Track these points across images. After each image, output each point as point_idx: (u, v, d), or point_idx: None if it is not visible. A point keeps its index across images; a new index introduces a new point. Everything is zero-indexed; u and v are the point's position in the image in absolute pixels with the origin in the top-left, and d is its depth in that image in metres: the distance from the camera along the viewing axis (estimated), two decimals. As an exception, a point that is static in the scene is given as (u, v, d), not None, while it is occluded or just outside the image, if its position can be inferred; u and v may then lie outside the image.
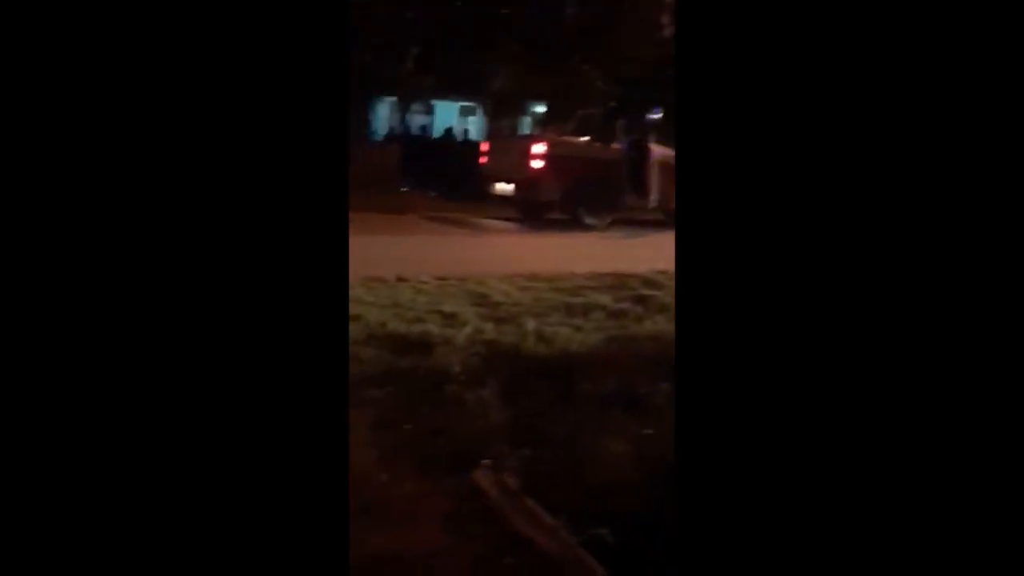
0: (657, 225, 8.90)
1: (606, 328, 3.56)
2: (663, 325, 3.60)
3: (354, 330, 3.22)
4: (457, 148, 13.18)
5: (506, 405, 2.48)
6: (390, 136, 14.00)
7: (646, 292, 4.46)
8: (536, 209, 9.52)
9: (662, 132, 9.66)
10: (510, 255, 6.48)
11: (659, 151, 9.22)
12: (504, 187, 9.52)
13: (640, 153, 9.30)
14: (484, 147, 10.41)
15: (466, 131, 14.48)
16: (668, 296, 4.21)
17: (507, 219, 9.41)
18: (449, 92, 15.68)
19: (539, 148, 9.18)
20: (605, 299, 4.22)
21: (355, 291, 4.07)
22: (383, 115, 15.11)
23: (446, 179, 12.01)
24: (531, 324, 3.53)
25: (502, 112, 14.55)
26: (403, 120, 15.27)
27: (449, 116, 16.37)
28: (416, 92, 12.98)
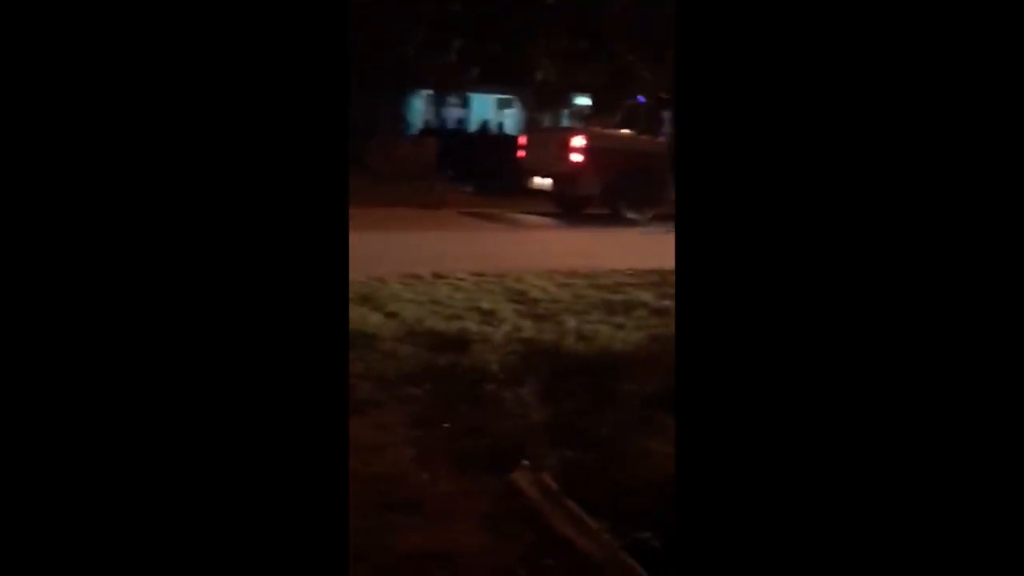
0: (701, 220, 8.79)
1: (648, 326, 3.54)
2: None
3: (391, 327, 3.27)
4: (494, 142, 13.21)
5: (545, 404, 2.48)
6: (425, 130, 14.08)
7: (689, 289, 4.41)
8: (575, 204, 9.50)
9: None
10: (548, 251, 6.48)
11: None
12: (542, 181, 9.51)
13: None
14: (522, 140, 10.42)
15: (500, 124, 14.47)
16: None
17: (545, 214, 9.40)
18: (491, 84, 15.72)
19: (578, 141, 9.16)
20: (647, 296, 4.20)
21: (392, 288, 4.12)
22: (418, 109, 15.21)
23: (483, 173, 12.05)
24: (571, 322, 3.53)
25: (544, 105, 14.54)
26: (439, 114, 15.34)
27: (485, 109, 16.40)
28: (457, 85, 13.03)
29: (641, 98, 9.99)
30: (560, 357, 3.00)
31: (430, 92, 15.00)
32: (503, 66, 13.47)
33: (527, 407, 2.45)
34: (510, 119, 17.14)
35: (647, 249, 6.29)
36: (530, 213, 9.43)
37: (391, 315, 3.48)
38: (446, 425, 2.33)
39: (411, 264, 4.80)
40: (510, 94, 17.01)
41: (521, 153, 10.16)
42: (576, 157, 9.06)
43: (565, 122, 14.52)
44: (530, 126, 12.99)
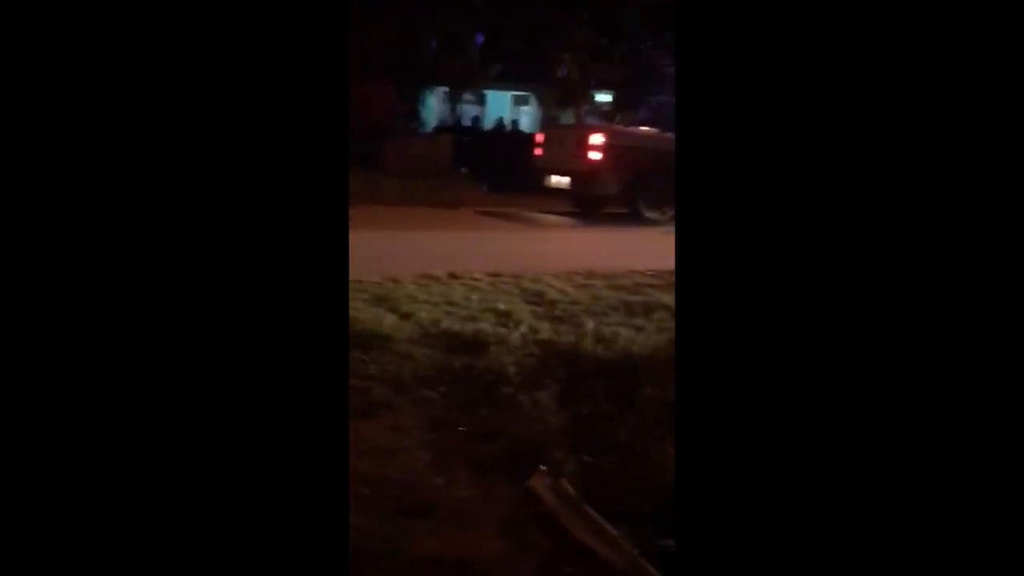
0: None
1: (668, 329, 3.52)
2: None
3: (406, 328, 3.27)
4: (510, 139, 13.22)
5: (564, 408, 2.48)
6: (441, 127, 14.11)
7: (711, 291, 4.39)
8: (593, 203, 9.48)
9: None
10: (566, 251, 6.48)
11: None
12: (559, 180, 9.50)
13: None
14: (539, 138, 10.41)
15: (515, 122, 14.47)
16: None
17: (562, 213, 9.39)
18: (507, 81, 15.75)
19: (597, 139, 9.14)
20: (667, 298, 4.17)
21: (407, 288, 4.13)
22: (433, 106, 15.25)
23: (499, 171, 12.05)
24: (589, 324, 3.52)
25: (564, 101, 14.54)
26: (454, 111, 15.37)
27: (502, 106, 16.42)
28: (473, 81, 13.07)
29: (660, 97, 9.97)
30: (578, 360, 2.99)
31: (445, 89, 15.02)
32: (521, 62, 13.48)
33: (545, 411, 2.45)
34: (527, 116, 17.15)
35: (667, 250, 6.24)
36: (547, 212, 9.42)
37: (406, 316, 3.49)
38: (462, 429, 2.33)
39: (426, 264, 4.81)
40: (527, 91, 17.02)
41: (538, 151, 10.15)
42: (594, 155, 9.03)
43: (585, 120, 14.50)
44: (547, 123, 12.98)
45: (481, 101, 16.36)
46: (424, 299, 3.91)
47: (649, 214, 8.85)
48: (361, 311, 3.46)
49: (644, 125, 9.68)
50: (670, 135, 9.21)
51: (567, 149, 9.42)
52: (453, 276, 4.58)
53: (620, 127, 9.75)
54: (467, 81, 13.02)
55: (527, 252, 6.14)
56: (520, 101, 17.46)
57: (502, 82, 15.93)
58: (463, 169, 12.64)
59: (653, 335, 3.40)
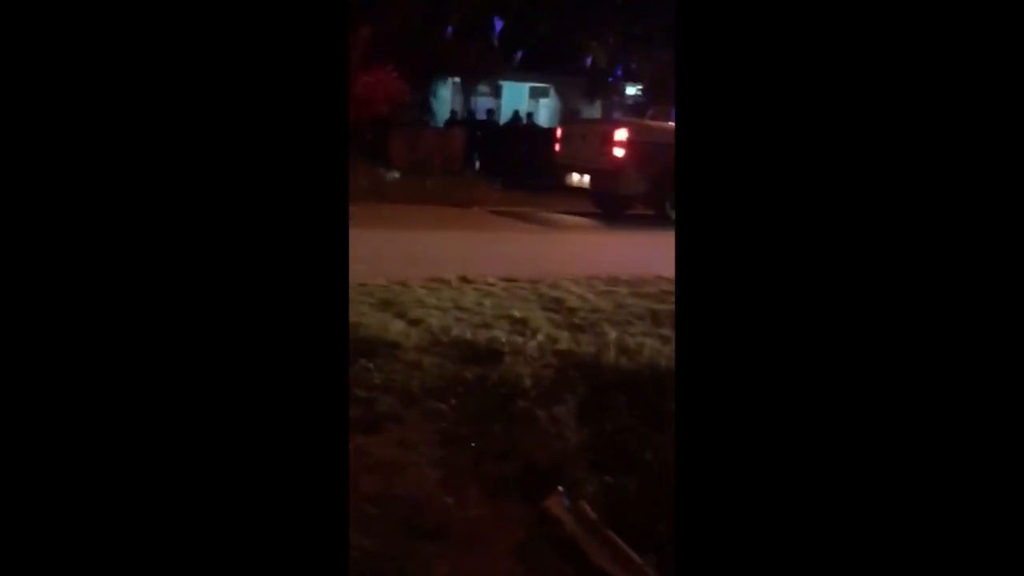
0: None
1: (697, 340, 3.51)
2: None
3: (415, 336, 3.28)
4: (527, 134, 13.24)
5: (584, 424, 2.47)
6: (453, 120, 14.16)
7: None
8: (616, 203, 9.48)
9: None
10: (586, 255, 6.48)
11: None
12: (580, 178, 9.51)
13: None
14: (558, 133, 10.43)
15: (530, 115, 14.49)
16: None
17: (583, 214, 9.40)
18: (525, 72, 15.77)
19: (621, 134, 9.14)
20: (696, 307, 4.16)
21: (415, 292, 4.14)
22: (445, 97, 15.29)
23: (515, 168, 12.08)
24: (612, 333, 3.52)
25: (591, 94, 14.56)
26: (467, 103, 15.42)
27: (519, 98, 16.44)
28: (488, 71, 13.10)
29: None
30: (600, 372, 2.98)
31: (457, 79, 15.07)
32: (542, 50, 13.49)
33: (563, 427, 2.45)
34: (545, 109, 17.17)
35: (696, 254, 6.23)
36: (566, 213, 9.43)
37: (414, 322, 3.50)
38: (474, 445, 2.33)
39: (436, 267, 4.82)
40: (546, 82, 17.05)
41: (557, 147, 10.16)
42: (618, 152, 9.04)
43: (612, 114, 14.52)
44: (567, 117, 12.99)
45: (496, 93, 16.38)
46: (434, 304, 3.92)
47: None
48: (366, 316, 3.47)
49: (671, 120, 9.68)
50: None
51: (589, 145, 9.43)
52: (465, 280, 4.59)
53: (646, 122, 9.73)
54: (485, 71, 13.04)
55: (545, 255, 6.14)
56: (538, 93, 17.49)
57: (520, 72, 15.95)
58: (477, 165, 12.68)
59: (681, 347, 3.39)
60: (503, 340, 3.30)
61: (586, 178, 9.42)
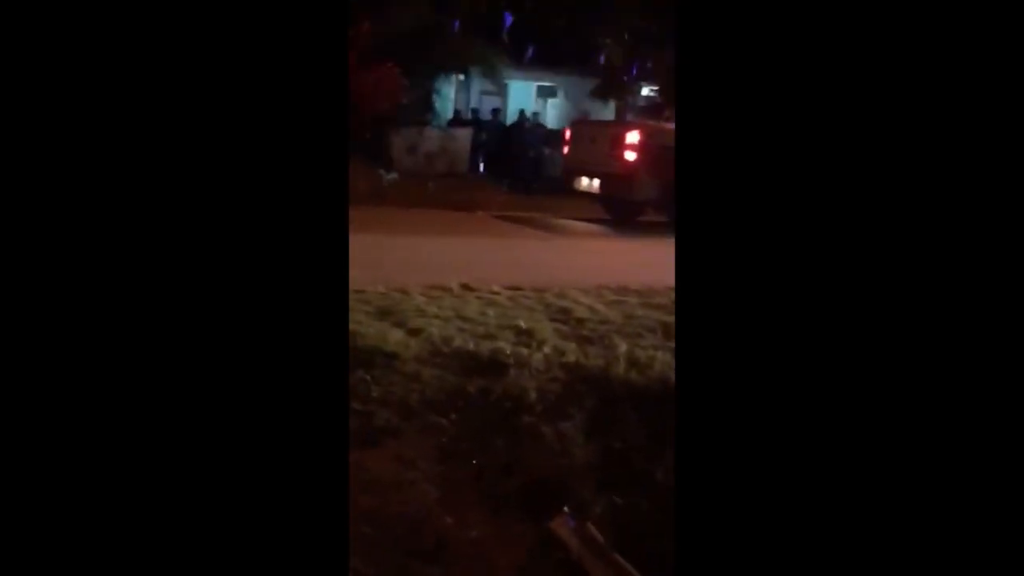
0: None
1: (712, 354, 3.51)
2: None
3: (415, 346, 3.29)
4: (534, 135, 13.26)
5: (591, 441, 2.48)
6: (456, 120, 14.19)
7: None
8: (627, 209, 9.49)
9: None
10: (596, 263, 6.49)
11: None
12: (589, 182, 9.53)
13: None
14: (567, 135, 10.45)
15: (536, 114, 14.52)
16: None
17: (592, 220, 9.41)
18: (532, 69, 15.80)
19: (633, 137, 9.16)
20: (711, 319, 4.16)
21: (415, 301, 4.16)
22: (448, 96, 15.33)
23: (521, 171, 12.11)
24: (622, 346, 3.53)
25: (604, 93, 14.57)
26: (471, 102, 15.45)
27: (525, 97, 16.48)
28: (497, 67, 13.12)
29: None
30: (609, 386, 2.99)
31: (461, 77, 15.11)
32: (551, 47, 13.49)
33: (570, 443, 2.45)
34: (553, 109, 17.20)
35: (711, 264, 6.23)
36: (575, 219, 9.44)
37: (414, 332, 3.51)
38: (475, 461, 2.33)
39: (437, 274, 4.84)
40: (554, 81, 17.08)
41: (566, 149, 10.18)
42: (630, 155, 9.06)
43: (626, 115, 14.53)
44: (577, 118, 13.01)
45: (502, 91, 16.42)
46: (434, 313, 3.93)
47: (691, 223, 8.83)
48: (363, 325, 3.48)
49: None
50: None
51: (599, 148, 9.45)
52: (467, 288, 4.60)
53: (660, 124, 9.74)
54: (492, 68, 13.07)
55: (551, 263, 6.16)
56: (546, 92, 17.52)
57: (528, 70, 15.98)
58: (481, 168, 12.70)
59: (694, 361, 3.39)
60: (507, 352, 3.31)
61: (596, 182, 9.44)
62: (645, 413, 2.69)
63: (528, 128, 13.45)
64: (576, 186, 9.72)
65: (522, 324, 3.80)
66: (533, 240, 7.92)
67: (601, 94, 14.79)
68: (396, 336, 3.41)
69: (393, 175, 10.67)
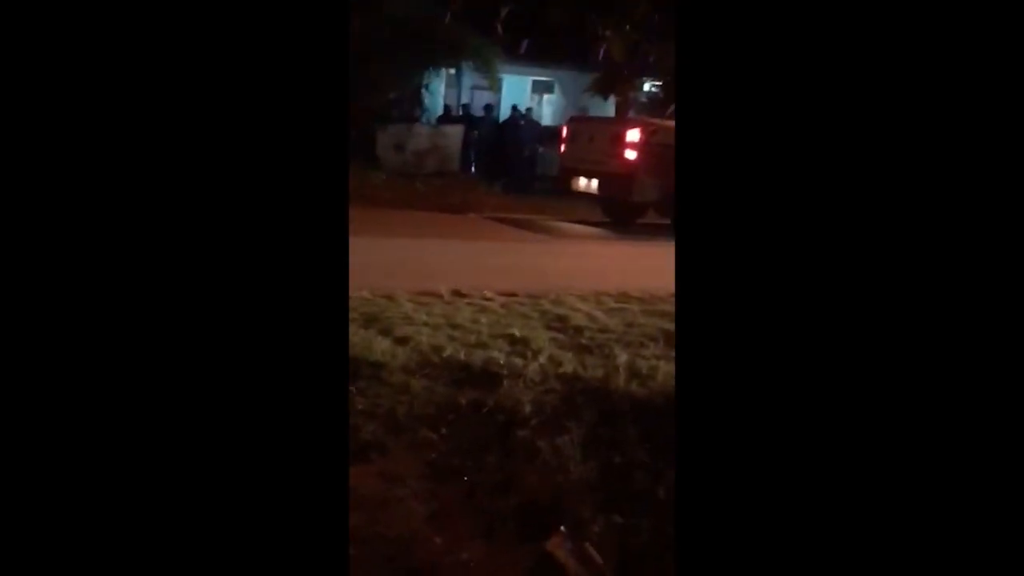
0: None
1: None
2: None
3: (402, 355, 3.29)
4: (529, 132, 13.28)
5: (590, 456, 2.48)
6: (446, 116, 14.21)
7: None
8: (627, 211, 9.51)
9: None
10: (594, 268, 6.49)
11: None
12: (587, 183, 9.54)
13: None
14: (564, 132, 10.47)
15: (529, 110, 14.54)
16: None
17: (590, 223, 9.42)
18: (527, 63, 15.82)
19: (634, 135, 9.18)
20: (716, 327, 4.17)
21: (403, 307, 4.15)
22: (438, 91, 15.35)
23: (515, 170, 12.12)
24: (622, 356, 3.53)
25: (604, 88, 14.59)
26: (460, 97, 15.47)
27: (520, 93, 16.51)
28: (487, 62, 13.14)
29: None
30: (608, 398, 2.99)
31: (452, 71, 15.13)
32: (546, 40, 13.50)
33: (567, 459, 2.45)
34: (549, 105, 17.24)
35: (716, 269, 6.24)
36: (572, 221, 9.45)
37: (402, 341, 3.51)
38: (467, 478, 2.33)
39: (426, 279, 4.84)
40: (550, 75, 17.12)
41: (563, 148, 10.20)
42: (630, 155, 9.08)
43: (628, 112, 14.57)
44: (575, 115, 13.04)
45: (495, 86, 16.46)
46: (423, 320, 3.93)
47: (694, 226, 8.85)
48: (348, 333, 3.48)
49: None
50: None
51: (597, 147, 9.47)
52: (458, 294, 4.61)
53: (662, 122, 9.78)
54: (485, 61, 13.08)
55: (548, 268, 6.16)
56: (542, 87, 17.56)
57: (523, 64, 16.01)
58: (473, 167, 12.70)
59: (698, 372, 3.39)
60: (501, 362, 3.31)
61: (594, 183, 9.46)
62: (647, 427, 2.69)
63: (523, 125, 13.46)
64: (574, 187, 9.74)
65: (516, 332, 3.80)
66: (528, 244, 7.93)
67: (600, 89, 14.80)
68: (382, 345, 3.41)
69: (380, 175, 10.67)
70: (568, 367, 3.33)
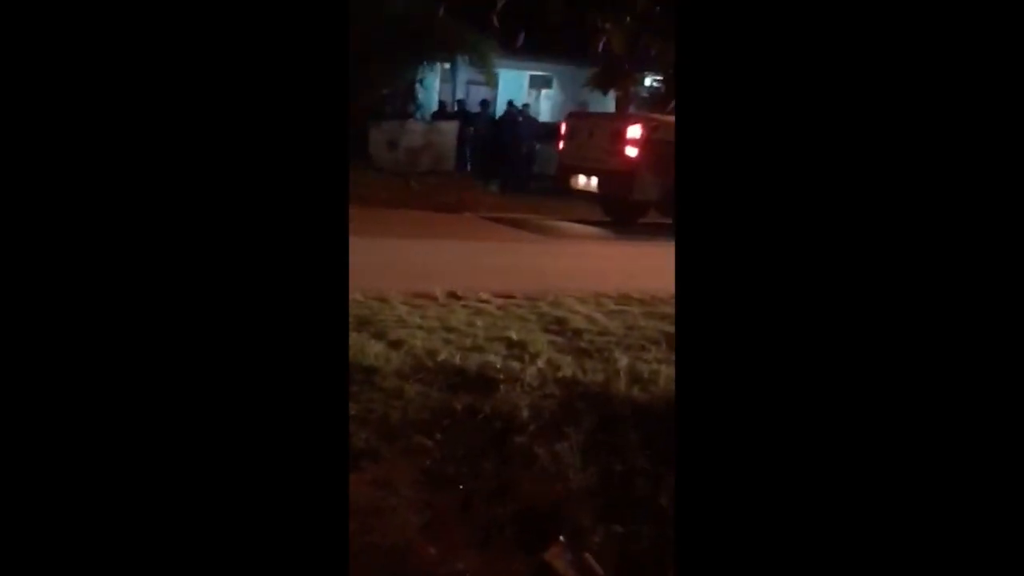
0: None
1: (721, 368, 3.52)
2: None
3: (396, 360, 3.29)
4: (526, 128, 13.29)
5: (589, 463, 2.48)
6: (441, 112, 14.22)
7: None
8: (628, 211, 9.52)
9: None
10: (594, 269, 6.50)
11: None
12: (586, 181, 9.55)
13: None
14: (562, 129, 10.48)
15: (527, 106, 14.56)
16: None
17: (590, 222, 9.43)
18: (524, 58, 15.83)
19: (634, 131, 9.19)
20: (720, 330, 4.18)
21: (397, 309, 4.16)
22: (432, 86, 15.36)
23: (511, 168, 12.13)
24: (622, 359, 3.54)
25: (604, 83, 14.60)
26: (455, 92, 15.48)
27: (516, 88, 16.52)
28: (483, 56, 13.15)
29: None
30: (609, 403, 3.00)
31: (447, 65, 15.14)
32: (548, 33, 13.50)
33: (566, 466, 2.45)
34: (547, 101, 17.26)
35: (720, 270, 6.24)
36: (571, 220, 9.46)
37: (395, 344, 3.51)
38: (463, 486, 2.33)
39: (421, 280, 4.84)
40: (548, 70, 17.14)
41: (561, 145, 10.20)
42: (631, 151, 9.09)
43: (628, 107, 14.58)
44: (573, 110, 13.06)
45: (491, 81, 16.48)
46: (417, 323, 3.93)
47: (697, 226, 8.86)
48: (340, 337, 3.48)
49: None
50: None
51: (597, 143, 9.48)
52: (454, 296, 4.61)
53: (664, 117, 9.78)
54: (481, 55, 13.09)
55: (546, 269, 6.16)
56: (540, 82, 17.58)
57: (520, 58, 16.01)
58: (468, 164, 12.71)
59: (701, 376, 3.40)
60: (497, 366, 3.32)
61: (594, 181, 9.46)
62: (648, 433, 2.70)
63: (520, 121, 13.47)
64: (572, 185, 9.75)
65: (514, 335, 3.81)
66: (525, 244, 7.93)
67: (600, 84, 14.82)
68: (375, 349, 3.41)
69: (373, 173, 10.68)
70: (567, 371, 3.34)
